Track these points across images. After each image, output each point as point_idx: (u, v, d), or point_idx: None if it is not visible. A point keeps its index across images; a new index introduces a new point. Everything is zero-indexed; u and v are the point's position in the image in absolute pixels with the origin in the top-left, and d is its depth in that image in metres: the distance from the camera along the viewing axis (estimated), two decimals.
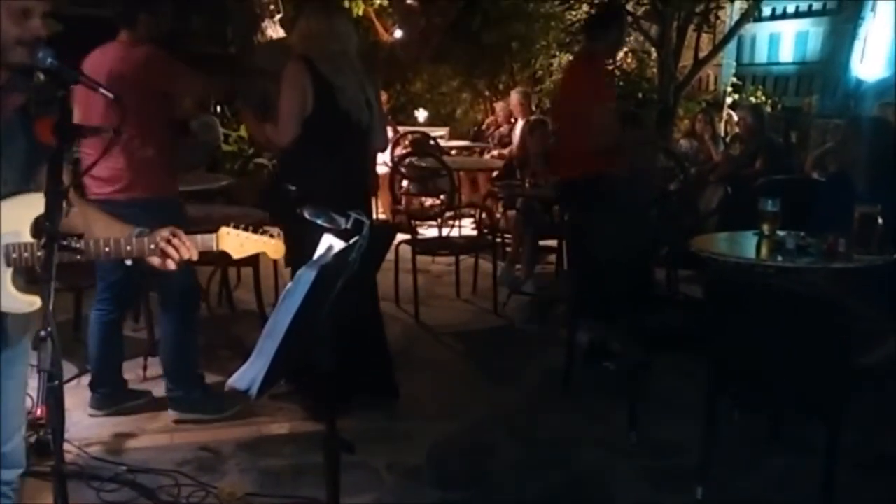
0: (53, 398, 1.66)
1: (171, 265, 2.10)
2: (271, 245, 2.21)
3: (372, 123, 3.92)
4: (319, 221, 2.08)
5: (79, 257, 1.96)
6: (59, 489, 1.77)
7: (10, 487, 2.22)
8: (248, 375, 1.85)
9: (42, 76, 1.95)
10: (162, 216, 3.64)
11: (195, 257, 2.12)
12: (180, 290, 3.85)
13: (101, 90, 1.95)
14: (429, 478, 3.45)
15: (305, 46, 3.85)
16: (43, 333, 1.64)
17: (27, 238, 1.99)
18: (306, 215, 2.09)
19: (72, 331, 4.74)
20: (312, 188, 3.28)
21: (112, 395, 3.95)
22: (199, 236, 2.14)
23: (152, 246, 2.07)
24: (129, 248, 2.07)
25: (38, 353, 1.63)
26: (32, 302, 2.02)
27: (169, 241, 2.07)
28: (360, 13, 9.29)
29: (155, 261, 2.11)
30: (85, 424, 3.79)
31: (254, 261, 5.09)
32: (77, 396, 3.99)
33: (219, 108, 8.29)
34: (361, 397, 3.91)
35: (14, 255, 1.98)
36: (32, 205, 1.98)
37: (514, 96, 9.04)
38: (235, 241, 2.16)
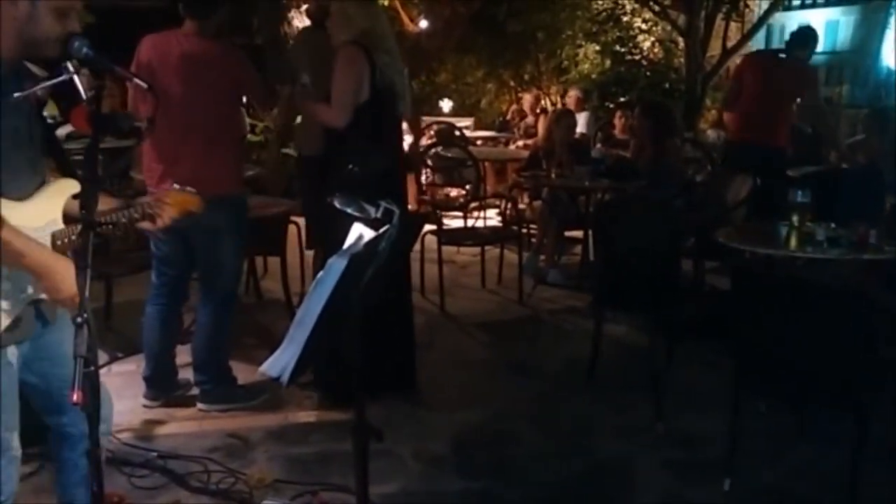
0: (90, 384, 1.70)
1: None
2: (194, 200, 2.32)
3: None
4: (350, 210, 2.10)
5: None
6: (96, 473, 1.80)
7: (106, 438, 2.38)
8: (279, 363, 1.88)
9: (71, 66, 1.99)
10: (230, 214, 3.70)
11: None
12: (223, 284, 3.88)
13: (137, 80, 1.98)
14: (454, 466, 3.47)
15: (356, 35, 3.83)
16: (79, 320, 1.68)
17: (62, 224, 2.07)
18: (337, 205, 2.10)
19: (103, 319, 4.80)
20: (371, 170, 3.64)
21: (166, 386, 4.00)
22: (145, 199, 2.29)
23: (151, 211, 2.20)
24: (136, 215, 2.19)
25: (75, 339, 1.66)
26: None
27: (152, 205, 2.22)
28: (386, 3, 9.29)
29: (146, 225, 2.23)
30: (116, 411, 3.77)
31: (281, 251, 5.14)
32: (108, 383, 3.98)
33: (244, 98, 8.32)
34: (381, 388, 3.94)
35: (58, 243, 2.05)
36: (64, 190, 2.06)
37: (573, 92, 9.70)
38: (180, 199, 2.28)
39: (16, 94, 1.96)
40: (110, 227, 2.09)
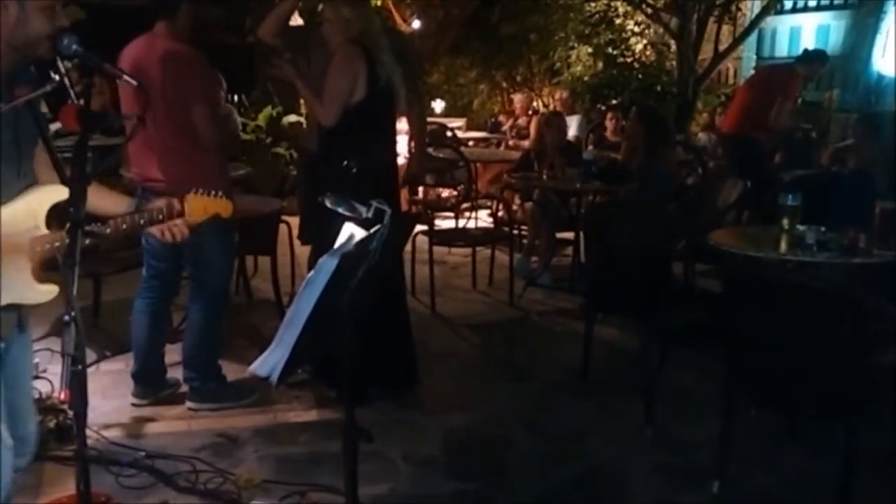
0: (77, 382, 1.68)
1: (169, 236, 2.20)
2: (223, 204, 2.26)
3: None
4: (341, 210, 2.09)
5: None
6: (82, 473, 1.78)
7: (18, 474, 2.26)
8: (269, 362, 1.86)
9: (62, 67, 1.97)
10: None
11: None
12: (213, 283, 3.86)
13: (126, 78, 1.97)
14: (444, 468, 3.46)
15: (352, 32, 3.82)
16: (67, 318, 1.66)
17: (45, 230, 2.02)
18: (328, 204, 2.09)
19: (91, 317, 4.77)
20: (369, 166, 3.73)
21: (155, 385, 3.97)
22: (162, 201, 2.21)
23: (160, 217, 2.15)
24: (141, 222, 2.13)
25: (63, 338, 1.64)
26: (50, 291, 2.05)
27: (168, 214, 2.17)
28: (379, 3, 9.28)
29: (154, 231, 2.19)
30: (103, 410, 3.81)
31: (271, 250, 5.11)
32: (96, 382, 4.02)
33: (236, 98, 8.31)
34: (378, 387, 3.93)
35: (38, 249, 2.00)
36: (48, 196, 2.02)
37: (559, 93, 9.81)
38: (200, 204, 2.22)
39: (2, 109, 1.93)
40: (102, 226, 2.04)
